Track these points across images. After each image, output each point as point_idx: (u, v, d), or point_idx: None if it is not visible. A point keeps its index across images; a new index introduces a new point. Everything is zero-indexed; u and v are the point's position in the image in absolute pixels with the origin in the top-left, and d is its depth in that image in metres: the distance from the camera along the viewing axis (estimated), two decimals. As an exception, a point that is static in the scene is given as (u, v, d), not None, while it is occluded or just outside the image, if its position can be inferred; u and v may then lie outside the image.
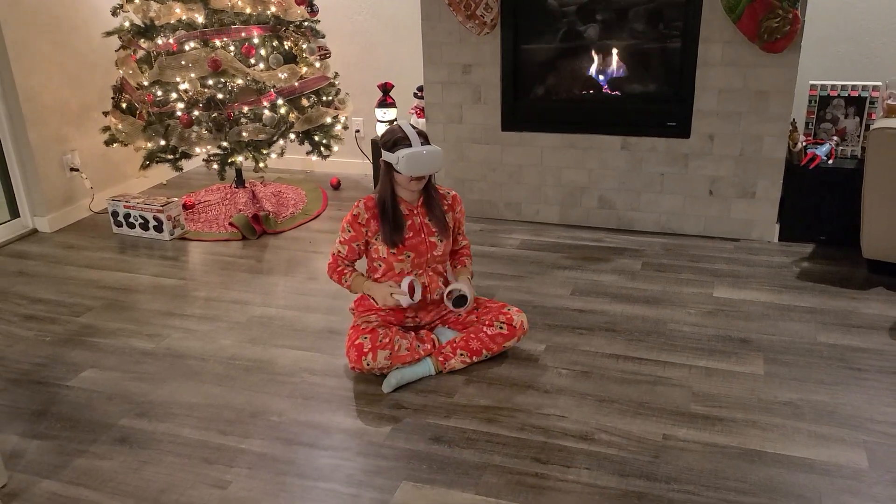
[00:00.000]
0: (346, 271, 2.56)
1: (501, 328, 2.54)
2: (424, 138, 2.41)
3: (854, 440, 2.14)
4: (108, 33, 3.78)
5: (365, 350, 2.42)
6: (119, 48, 3.81)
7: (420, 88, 4.12)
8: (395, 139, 2.40)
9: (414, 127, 2.42)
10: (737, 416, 2.27)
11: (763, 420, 2.24)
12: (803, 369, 2.50)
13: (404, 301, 2.44)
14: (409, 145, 2.37)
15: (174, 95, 3.66)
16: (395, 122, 2.49)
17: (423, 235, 2.53)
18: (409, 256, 2.52)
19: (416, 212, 2.53)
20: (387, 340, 2.44)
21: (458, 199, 2.66)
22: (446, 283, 2.68)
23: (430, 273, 2.59)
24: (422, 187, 2.50)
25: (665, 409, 2.31)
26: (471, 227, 3.81)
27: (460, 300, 2.53)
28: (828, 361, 2.54)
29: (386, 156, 2.41)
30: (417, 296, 2.47)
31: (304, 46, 3.86)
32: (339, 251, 2.56)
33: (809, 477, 2.00)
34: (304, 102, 3.88)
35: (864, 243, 3.06)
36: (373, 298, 2.53)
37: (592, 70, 3.67)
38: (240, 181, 4.26)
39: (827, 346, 2.63)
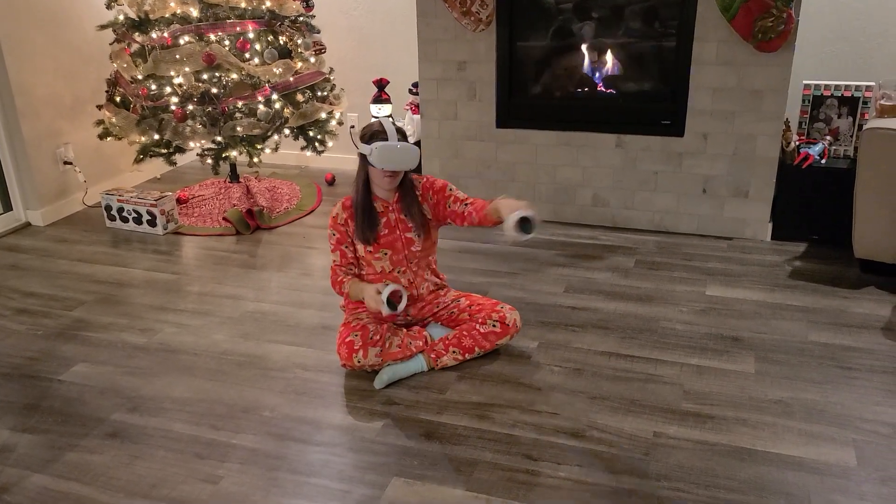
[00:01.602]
0: (344, 280, 2.53)
1: (494, 326, 2.55)
2: (402, 136, 2.40)
3: (843, 439, 2.15)
4: (103, 26, 3.76)
5: (355, 347, 2.42)
6: (113, 41, 3.80)
7: (415, 85, 4.12)
8: (372, 132, 2.39)
9: (395, 125, 2.41)
10: (727, 414, 2.28)
11: (753, 418, 2.25)
12: (794, 368, 2.51)
13: (383, 310, 2.33)
14: (386, 139, 2.37)
15: (168, 89, 3.65)
16: (376, 119, 2.47)
17: (398, 232, 2.52)
18: (386, 254, 2.52)
19: (391, 208, 2.52)
20: (377, 337, 2.44)
21: (428, 182, 2.56)
22: (434, 274, 2.68)
23: (414, 269, 2.59)
24: (396, 184, 2.48)
25: (656, 406, 2.32)
26: (465, 223, 3.81)
27: (524, 223, 2.19)
28: (818, 360, 2.55)
29: (361, 147, 2.40)
30: (401, 306, 2.35)
31: (300, 41, 3.85)
32: (334, 260, 2.56)
33: (799, 475, 2.02)
34: (299, 98, 3.88)
35: (856, 243, 3.07)
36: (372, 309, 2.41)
37: (587, 68, 3.67)
38: (234, 176, 4.25)
39: (818, 345, 2.64)
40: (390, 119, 2.48)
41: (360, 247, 2.51)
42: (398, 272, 2.56)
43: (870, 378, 2.44)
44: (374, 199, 2.50)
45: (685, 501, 1.93)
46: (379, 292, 2.35)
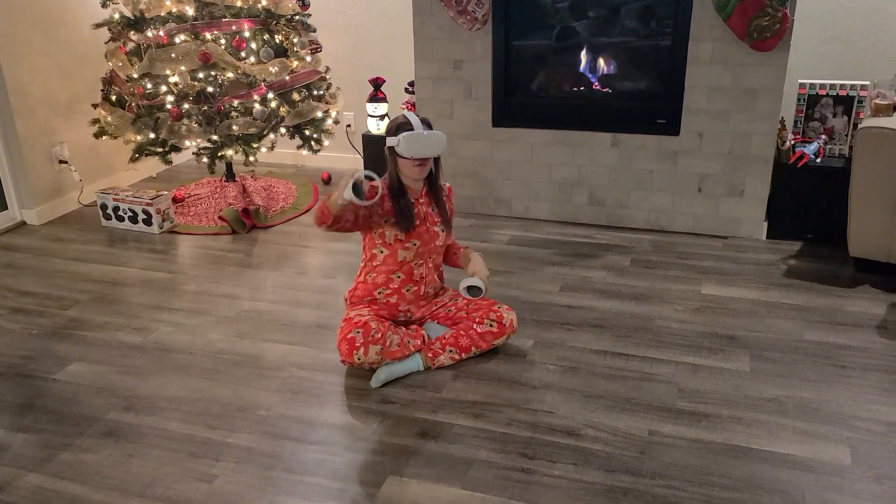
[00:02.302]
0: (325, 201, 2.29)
1: (491, 326, 2.55)
2: (427, 125, 2.44)
3: (838, 437, 2.16)
4: (98, 25, 3.75)
5: (357, 344, 2.42)
6: (109, 40, 3.79)
7: (411, 83, 4.12)
8: (397, 125, 2.43)
9: (418, 115, 2.44)
10: (722, 412, 2.28)
11: (748, 416, 2.26)
12: (789, 366, 2.52)
13: (347, 193, 2.12)
14: (411, 129, 2.39)
15: (164, 88, 3.65)
16: (401, 114, 2.49)
17: (427, 224, 2.54)
18: (415, 245, 2.52)
19: (421, 200, 2.55)
20: (379, 335, 2.44)
21: (451, 190, 2.70)
22: (440, 278, 2.69)
23: (430, 265, 2.60)
24: (425, 175, 2.51)
25: (651, 405, 2.32)
26: (461, 222, 3.81)
27: (475, 290, 2.47)
28: (813, 358, 2.56)
29: (389, 140, 2.42)
30: (366, 201, 2.19)
31: (296, 40, 3.85)
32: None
33: (793, 473, 2.02)
34: (295, 96, 3.88)
35: (851, 241, 3.08)
36: (341, 201, 2.20)
37: (583, 67, 3.67)
38: (230, 175, 4.24)
39: (812, 344, 2.65)
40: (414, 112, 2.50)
41: (389, 233, 2.50)
42: (416, 264, 2.56)
43: (864, 376, 2.45)
44: (407, 190, 2.52)
45: (680, 500, 1.94)
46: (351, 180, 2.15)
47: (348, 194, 2.15)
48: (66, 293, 3.17)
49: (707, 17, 3.27)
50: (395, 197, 2.47)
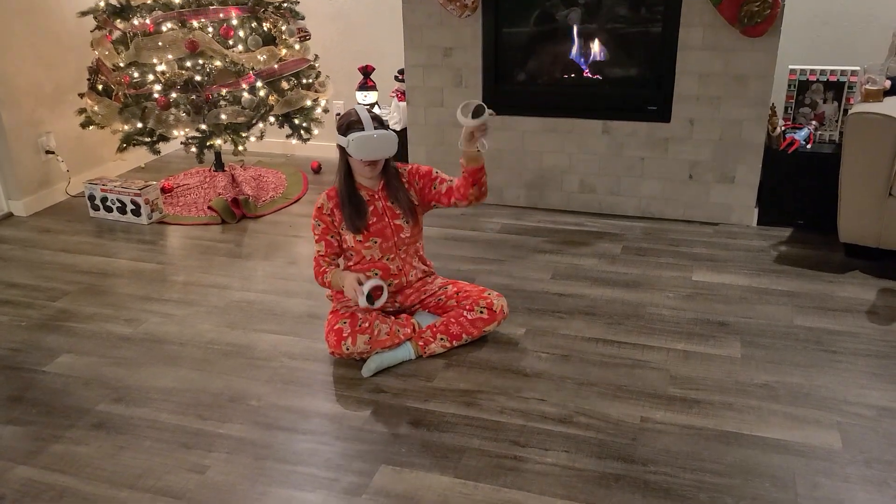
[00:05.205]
0: (326, 270, 2.52)
1: (482, 313, 2.54)
2: (378, 122, 2.38)
3: (828, 421, 2.17)
4: (83, 13, 3.71)
5: (344, 335, 2.41)
6: (94, 28, 3.75)
7: (401, 72, 4.09)
8: (348, 122, 2.37)
9: (370, 111, 2.39)
10: (713, 398, 2.29)
11: (739, 402, 2.27)
12: (779, 352, 2.53)
13: (360, 301, 2.32)
14: (362, 129, 2.34)
15: (151, 77, 3.61)
16: (352, 108, 2.44)
17: (387, 219, 2.51)
18: (375, 242, 2.50)
19: (377, 196, 2.51)
20: (366, 325, 2.43)
21: (413, 169, 2.59)
22: (422, 261, 2.68)
23: (403, 256, 2.58)
24: (378, 172, 2.47)
25: (643, 391, 2.33)
26: (452, 211, 3.80)
27: (479, 109, 2.35)
28: (804, 344, 2.57)
29: (339, 139, 2.38)
30: (379, 303, 2.37)
31: (284, 28, 3.82)
32: (318, 251, 2.54)
33: (784, 458, 2.03)
34: (284, 85, 3.85)
35: (841, 227, 3.08)
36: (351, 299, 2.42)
37: (574, 54, 3.66)
38: (219, 165, 4.21)
39: (803, 329, 2.66)
40: (366, 106, 2.46)
41: (349, 237, 2.49)
42: (387, 259, 2.55)
43: (854, 361, 2.46)
44: (359, 188, 2.49)
45: (672, 486, 1.94)
46: (360, 283, 2.35)
47: (363, 303, 2.33)
48: (55, 284, 3.14)
49: (697, 3, 3.26)
50: (342, 203, 2.46)
